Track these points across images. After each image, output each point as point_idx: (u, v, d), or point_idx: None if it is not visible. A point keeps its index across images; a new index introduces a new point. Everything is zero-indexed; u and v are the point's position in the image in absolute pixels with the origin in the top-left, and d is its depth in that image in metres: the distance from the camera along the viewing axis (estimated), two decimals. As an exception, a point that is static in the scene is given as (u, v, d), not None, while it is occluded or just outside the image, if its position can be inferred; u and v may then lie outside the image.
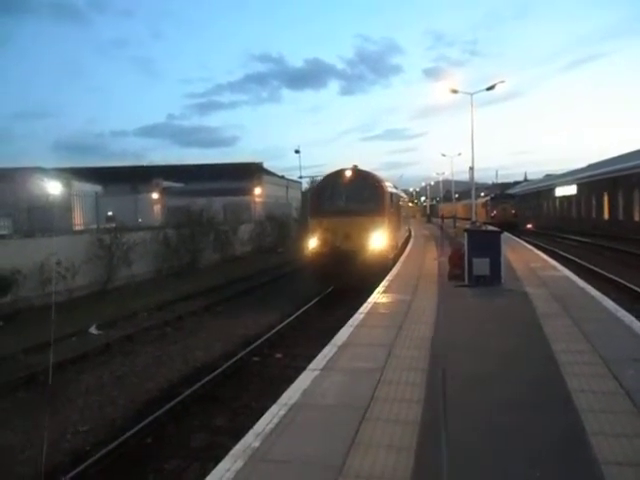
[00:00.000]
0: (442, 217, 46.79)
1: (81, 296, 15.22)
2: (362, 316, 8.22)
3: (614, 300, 8.98)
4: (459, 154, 48.88)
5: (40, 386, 7.92)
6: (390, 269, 14.08)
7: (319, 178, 21.58)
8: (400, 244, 19.84)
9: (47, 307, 12.10)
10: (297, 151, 50.59)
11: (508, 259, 13.77)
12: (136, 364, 9.33)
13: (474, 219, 26.98)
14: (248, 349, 9.69)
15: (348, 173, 15.78)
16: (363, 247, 14.58)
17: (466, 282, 10.86)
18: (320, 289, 15.22)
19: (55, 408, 7.12)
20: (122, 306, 14.00)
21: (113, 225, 18.61)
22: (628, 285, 14.14)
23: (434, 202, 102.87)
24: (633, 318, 7.36)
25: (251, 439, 3.92)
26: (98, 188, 25.78)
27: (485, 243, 11.17)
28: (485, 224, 29.11)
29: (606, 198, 41.93)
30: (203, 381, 7.95)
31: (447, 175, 66.27)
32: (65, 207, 18.59)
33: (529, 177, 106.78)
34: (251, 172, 48.32)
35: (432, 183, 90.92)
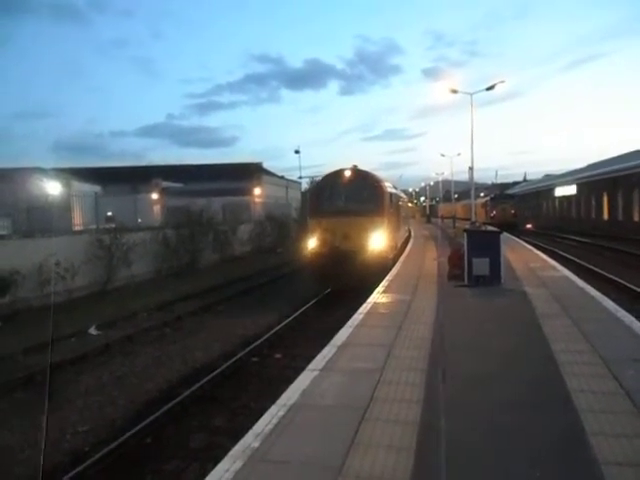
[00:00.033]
0: (441, 217, 46.79)
1: (80, 297, 15.21)
2: (362, 316, 8.22)
3: (614, 300, 8.98)
4: (458, 154, 48.78)
5: (39, 386, 7.90)
6: (390, 269, 14.07)
7: (319, 178, 21.55)
8: (400, 244, 19.84)
9: (46, 308, 12.13)
10: (297, 151, 50.69)
11: (508, 259, 13.77)
12: (135, 364, 9.32)
13: (473, 219, 26.99)
14: (247, 349, 9.67)
15: (347, 173, 15.76)
16: (362, 247, 14.56)
17: (466, 282, 10.86)
18: (319, 289, 15.21)
19: (54, 408, 7.11)
20: (122, 306, 13.99)
21: (112, 225, 18.59)
22: (628, 285, 14.14)
23: (434, 202, 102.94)
24: (633, 318, 7.36)
25: (250, 439, 3.91)
26: (97, 188, 25.76)
27: (485, 243, 11.17)
28: (485, 224, 29.14)
29: (606, 198, 41.97)
30: (202, 381, 7.94)
31: (446, 175, 66.26)
32: (64, 207, 18.57)
33: (529, 177, 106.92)
34: (250, 172, 48.33)
35: (432, 183, 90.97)
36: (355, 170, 15.94)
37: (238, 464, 3.52)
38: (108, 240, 16.89)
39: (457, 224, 36.55)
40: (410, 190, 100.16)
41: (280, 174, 59.88)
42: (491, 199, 46.60)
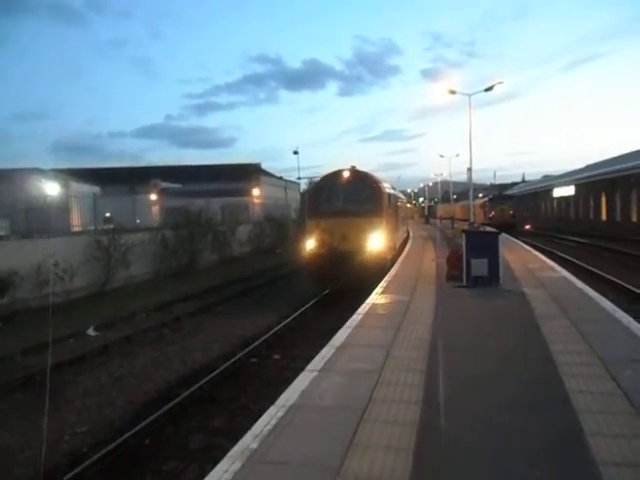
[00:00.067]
0: (440, 218, 46.81)
1: (79, 297, 15.20)
2: (360, 317, 8.22)
3: (612, 301, 9.00)
4: (457, 155, 48.97)
5: (38, 387, 7.89)
6: (388, 270, 14.07)
7: (317, 179, 21.56)
8: (398, 245, 19.85)
9: (44, 309, 12.11)
10: (295, 152, 50.70)
11: (506, 260, 13.79)
12: (134, 365, 9.32)
13: (472, 220, 27.03)
14: (246, 350, 9.68)
15: (346, 174, 15.75)
16: (361, 248, 14.56)
17: (464, 283, 10.87)
18: (318, 290, 15.21)
19: (53, 409, 7.10)
20: (120, 307, 13.99)
21: (111, 226, 18.58)
22: (626, 286, 14.17)
23: (432, 203, 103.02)
24: (631, 319, 7.37)
25: (249, 440, 3.91)
26: (96, 189, 25.75)
27: (483, 244, 11.19)
28: (483, 225, 29.18)
29: (604, 199, 42.06)
30: (201, 382, 7.94)
31: (445, 176, 66.32)
32: (63, 208, 18.55)
33: (527, 178, 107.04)
34: (249, 173, 48.37)
35: (430, 184, 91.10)
36: (354, 171, 15.94)
37: (237, 465, 3.53)
38: (106, 241, 16.87)
39: (456, 225, 36.57)
40: (409, 191, 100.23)
41: (279, 175, 59.99)
42: (490, 200, 46.67)
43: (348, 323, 7.78)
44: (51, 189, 21.71)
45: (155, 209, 26.33)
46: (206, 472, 3.62)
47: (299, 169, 72.34)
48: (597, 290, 10.10)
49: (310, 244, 15.16)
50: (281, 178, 58.44)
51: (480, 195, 63.46)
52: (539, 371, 5.34)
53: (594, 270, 17.57)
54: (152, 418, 6.63)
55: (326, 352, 6.23)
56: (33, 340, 9.98)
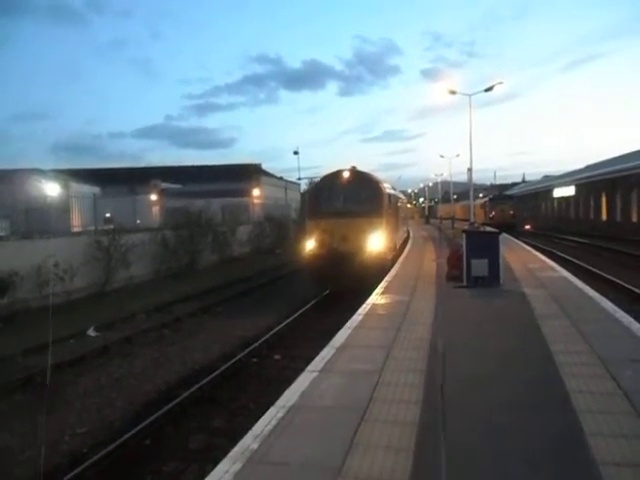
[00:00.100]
0: (440, 218, 46.81)
1: (79, 298, 15.20)
2: (360, 317, 8.22)
3: (612, 301, 8.99)
4: (457, 155, 48.95)
5: (38, 388, 7.89)
6: (388, 270, 14.07)
7: (317, 179, 21.56)
8: (398, 245, 19.84)
9: (45, 309, 12.10)
10: (296, 152, 50.71)
11: (506, 260, 13.78)
12: (134, 366, 9.32)
13: (472, 220, 27.04)
14: (246, 351, 9.68)
15: (346, 174, 15.73)
16: (361, 249, 14.54)
17: (464, 283, 10.86)
18: (318, 291, 15.21)
19: (53, 410, 7.11)
20: (120, 308, 13.99)
21: (111, 227, 18.58)
22: (626, 286, 14.16)
23: (432, 203, 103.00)
24: (631, 319, 7.36)
25: (249, 441, 3.91)
26: (96, 189, 25.74)
27: (483, 244, 11.18)
28: (483, 225, 29.19)
29: (604, 199, 42.06)
30: (201, 383, 7.94)
31: (445, 176, 66.39)
32: (63, 209, 18.56)
33: (527, 178, 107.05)
34: (249, 173, 48.37)
35: (430, 184, 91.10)
36: (354, 171, 15.93)
37: (237, 465, 3.53)
38: (106, 241, 16.87)
39: (456, 225, 36.56)
40: (409, 191, 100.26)
41: (279, 175, 60.00)
42: (490, 200, 46.65)
43: (348, 324, 7.78)
44: (51, 189, 21.72)
45: (155, 209, 26.35)
46: (206, 473, 3.62)
47: (299, 169, 72.48)
48: (597, 290, 10.09)
49: (310, 244, 15.15)
50: (281, 178, 58.46)
51: (480, 195, 63.49)
52: (539, 371, 5.34)
53: (594, 270, 17.56)
54: (152, 419, 6.63)
55: (326, 353, 6.23)
56: (33, 341, 9.98)
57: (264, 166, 57.48)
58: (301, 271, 18.12)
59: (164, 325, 12.28)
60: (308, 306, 13.75)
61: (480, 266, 10.76)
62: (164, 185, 36.72)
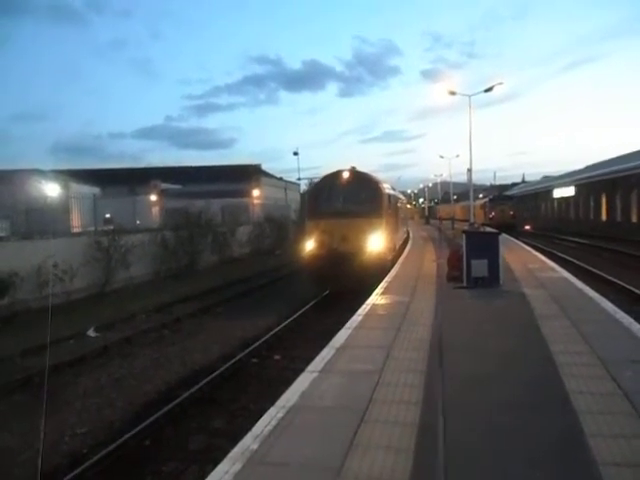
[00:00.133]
0: (440, 219, 46.82)
1: (79, 298, 15.19)
2: (360, 318, 8.21)
3: (612, 301, 8.99)
4: (457, 156, 48.95)
5: (37, 388, 7.89)
6: (388, 271, 14.07)
7: (317, 179, 21.56)
8: (398, 246, 19.84)
9: (44, 309, 12.10)
10: (295, 153, 50.73)
11: (506, 260, 13.78)
12: (134, 366, 9.31)
13: (472, 220, 27.05)
14: (246, 351, 9.68)
15: (346, 174, 15.72)
16: (361, 249, 14.53)
17: (464, 283, 10.86)
18: (318, 291, 15.20)
19: (53, 410, 7.10)
20: (120, 308, 13.98)
21: (111, 227, 18.58)
22: (627, 287, 14.15)
23: (432, 204, 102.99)
24: (632, 320, 7.36)
25: (249, 441, 3.91)
26: (96, 190, 25.75)
27: (483, 245, 11.18)
28: (483, 225, 29.19)
29: (604, 199, 42.05)
30: (201, 383, 7.94)
31: (445, 177, 66.45)
32: (63, 209, 18.57)
33: (527, 178, 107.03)
34: (249, 174, 48.39)
35: (430, 185, 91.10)
36: (353, 171, 15.93)
37: (237, 466, 3.52)
38: (106, 242, 16.88)
39: (456, 225, 36.56)
40: (409, 191, 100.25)
41: (279, 176, 60.05)
42: (490, 200, 46.68)
43: (348, 324, 7.78)
44: (51, 190, 21.72)
45: (155, 210, 26.35)
46: (206, 473, 3.62)
47: (299, 170, 72.43)
48: (597, 291, 10.09)
49: (310, 245, 15.14)
50: (281, 179, 58.49)
51: (480, 196, 63.49)
52: (539, 371, 5.33)
53: (594, 271, 17.56)
54: (152, 419, 6.63)
55: (326, 353, 6.22)
56: (33, 341, 9.96)
57: (264, 167, 57.58)
58: (301, 272, 18.13)
59: (164, 326, 12.28)
60: (308, 307, 13.75)
61: (480, 266, 10.76)
62: (164, 186, 36.72)
